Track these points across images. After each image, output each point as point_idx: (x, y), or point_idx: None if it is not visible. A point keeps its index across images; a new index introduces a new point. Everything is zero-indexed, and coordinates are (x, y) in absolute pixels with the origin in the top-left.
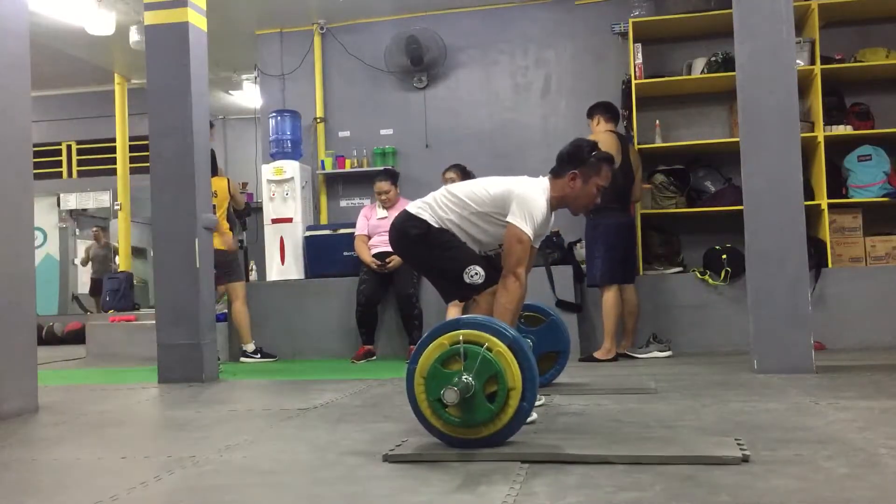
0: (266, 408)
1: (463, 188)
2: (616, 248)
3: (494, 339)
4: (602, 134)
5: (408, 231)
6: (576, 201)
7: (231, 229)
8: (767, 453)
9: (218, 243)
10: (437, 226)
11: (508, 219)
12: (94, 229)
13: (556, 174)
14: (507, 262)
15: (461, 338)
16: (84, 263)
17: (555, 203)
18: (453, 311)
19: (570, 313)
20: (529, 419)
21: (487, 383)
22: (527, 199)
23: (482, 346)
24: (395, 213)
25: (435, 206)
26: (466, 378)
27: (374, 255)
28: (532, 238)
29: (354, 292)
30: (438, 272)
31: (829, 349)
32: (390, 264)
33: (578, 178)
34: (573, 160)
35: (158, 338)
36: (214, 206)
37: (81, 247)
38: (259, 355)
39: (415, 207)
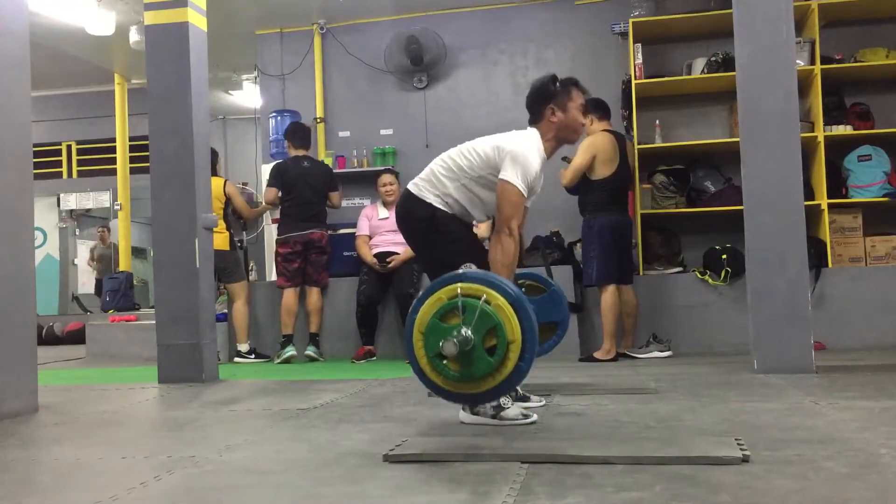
0: (266, 408)
1: (457, 156)
2: (611, 249)
3: (493, 292)
4: (598, 134)
5: (414, 214)
6: (566, 131)
7: (228, 229)
8: (767, 453)
9: (217, 243)
10: (442, 208)
11: (501, 175)
12: (100, 229)
13: (535, 120)
14: (499, 218)
15: (459, 291)
16: (90, 264)
17: (550, 148)
18: None
19: (570, 313)
20: (529, 420)
21: (487, 337)
22: (519, 154)
23: (480, 299)
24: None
25: (434, 181)
26: (465, 331)
27: (375, 255)
28: (525, 194)
29: (354, 292)
30: (437, 261)
31: (829, 349)
32: (391, 264)
33: (557, 110)
34: (543, 97)
35: (158, 338)
36: None
37: (81, 247)
38: (253, 356)
39: (414, 186)
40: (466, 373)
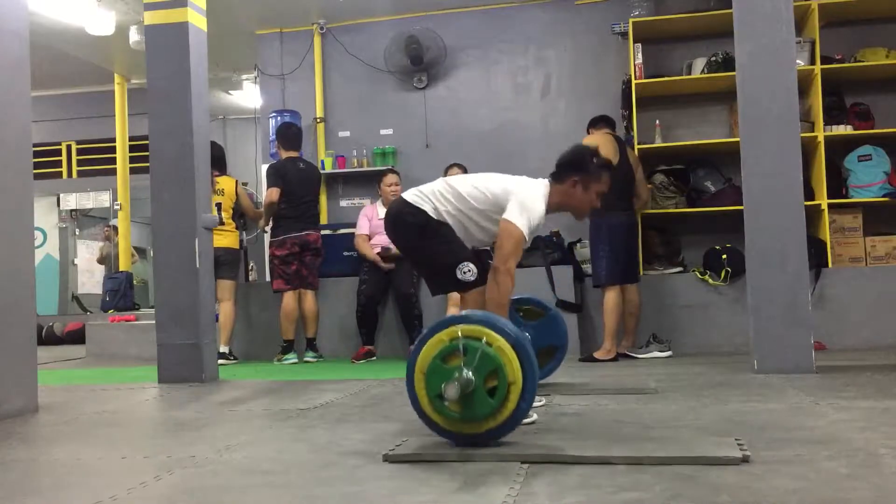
0: (266, 408)
1: (463, 184)
2: (620, 249)
3: (494, 334)
4: (599, 136)
5: (405, 219)
6: (576, 207)
7: (237, 229)
8: (767, 453)
9: (228, 242)
10: (435, 217)
11: (505, 216)
12: (106, 228)
13: (556, 179)
14: (499, 256)
15: (460, 333)
16: (100, 262)
17: (553, 207)
18: (453, 310)
19: (570, 313)
20: (529, 419)
21: (488, 378)
22: (526, 201)
23: (481, 341)
24: None
25: (433, 198)
26: (467, 373)
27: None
28: (528, 240)
29: (354, 292)
30: (431, 264)
31: (829, 349)
32: (391, 252)
33: (579, 184)
34: (575, 167)
35: (158, 338)
36: (220, 204)
37: (81, 247)
38: (232, 358)
39: (412, 196)
40: (468, 414)
